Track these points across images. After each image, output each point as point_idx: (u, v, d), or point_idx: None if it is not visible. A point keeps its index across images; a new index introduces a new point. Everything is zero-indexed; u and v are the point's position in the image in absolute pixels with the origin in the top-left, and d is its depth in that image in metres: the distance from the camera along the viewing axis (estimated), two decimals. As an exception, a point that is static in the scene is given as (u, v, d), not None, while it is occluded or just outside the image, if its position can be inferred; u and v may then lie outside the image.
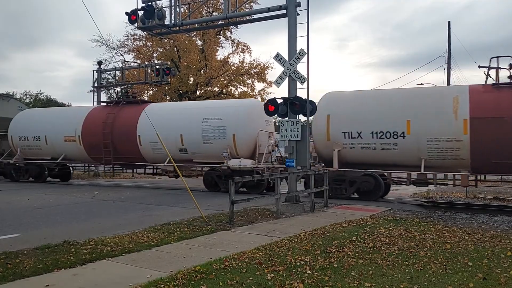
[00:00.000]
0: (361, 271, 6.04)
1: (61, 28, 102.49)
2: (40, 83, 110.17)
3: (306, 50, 12.41)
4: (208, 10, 34.05)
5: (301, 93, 12.76)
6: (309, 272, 5.94)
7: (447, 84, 31.19)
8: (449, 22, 30.51)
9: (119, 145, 20.29)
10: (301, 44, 12.69)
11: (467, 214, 12.65)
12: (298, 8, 12.83)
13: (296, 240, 8.14)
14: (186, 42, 34.76)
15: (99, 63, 27.54)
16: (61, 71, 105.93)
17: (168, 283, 5.32)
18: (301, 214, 11.76)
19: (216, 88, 36.73)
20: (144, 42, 36.82)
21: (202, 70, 35.70)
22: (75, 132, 21.41)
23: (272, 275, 5.75)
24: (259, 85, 49.35)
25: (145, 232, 8.78)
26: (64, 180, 24.01)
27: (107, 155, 20.48)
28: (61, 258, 6.63)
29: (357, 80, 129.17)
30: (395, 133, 14.60)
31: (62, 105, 56.92)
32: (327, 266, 6.28)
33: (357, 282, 5.51)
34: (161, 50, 36.80)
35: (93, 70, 25.81)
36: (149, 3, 15.21)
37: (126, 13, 15.60)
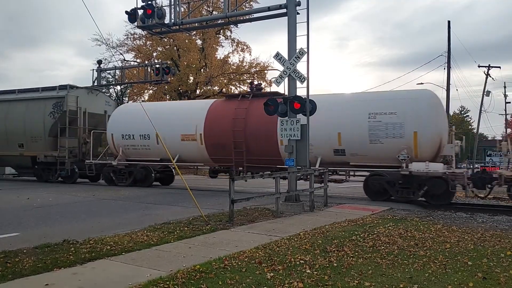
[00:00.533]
0: (361, 270, 6.03)
1: (61, 27, 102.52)
2: (40, 82, 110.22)
3: (306, 49, 12.41)
4: (208, 9, 34.08)
5: (301, 92, 12.78)
6: (308, 271, 5.94)
7: (447, 84, 31.22)
8: (449, 22, 30.55)
9: (253, 145, 17.27)
10: (301, 43, 12.70)
11: (467, 214, 12.65)
12: (298, 7, 12.83)
13: (295, 239, 8.14)
14: (186, 41, 34.78)
15: (99, 62, 27.54)
16: (61, 70, 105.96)
17: (167, 282, 5.31)
18: (301, 213, 11.77)
19: (216, 88, 36.76)
20: (144, 41, 36.87)
21: (202, 70, 35.73)
22: (195, 129, 18.44)
23: (271, 274, 5.75)
24: (259, 85, 49.18)
25: (145, 231, 8.78)
26: (165, 184, 21.61)
27: (239, 157, 17.57)
28: (61, 257, 6.62)
29: (357, 80, 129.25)
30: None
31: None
32: (327, 265, 6.28)
33: (357, 282, 5.51)
34: (161, 49, 36.83)
35: (93, 69, 25.80)
36: (149, 2, 15.19)
37: (126, 12, 15.59)
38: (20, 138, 22.71)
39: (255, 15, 15.54)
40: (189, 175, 27.90)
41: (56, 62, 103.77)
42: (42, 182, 22.08)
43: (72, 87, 22.51)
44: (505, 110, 47.69)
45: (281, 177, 11.87)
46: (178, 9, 15.62)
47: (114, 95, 43.37)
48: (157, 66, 24.66)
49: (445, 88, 31.64)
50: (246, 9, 25.20)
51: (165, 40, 34.42)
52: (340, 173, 16.73)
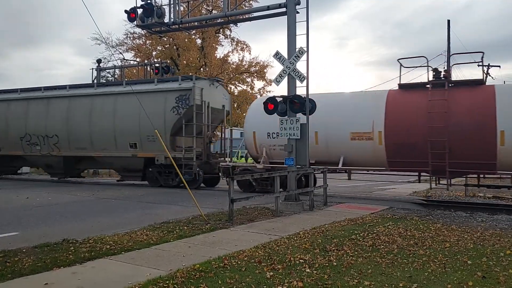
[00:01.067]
0: (361, 269, 6.04)
1: (60, 26, 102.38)
2: (39, 82, 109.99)
3: (305, 49, 12.41)
4: (208, 8, 34.06)
5: (300, 91, 12.78)
6: (308, 270, 5.94)
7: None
8: (448, 21, 30.44)
9: (459, 146, 13.84)
10: (300, 42, 12.70)
11: (467, 213, 12.65)
12: (297, 7, 12.82)
13: (295, 238, 8.14)
14: (186, 40, 34.74)
15: (98, 61, 27.51)
16: (60, 70, 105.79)
17: (167, 282, 5.31)
18: (300, 212, 11.77)
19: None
20: (143, 40, 36.80)
21: (201, 69, 35.69)
22: (371, 126, 14.97)
23: (271, 273, 5.75)
24: (258, 84, 49.42)
25: (144, 231, 8.78)
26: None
27: (438, 160, 14.03)
28: (60, 256, 6.62)
29: (356, 79, 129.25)
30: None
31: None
32: (327, 264, 6.28)
33: (357, 281, 5.51)
34: (161, 48, 36.78)
35: (92, 69, 25.79)
36: (148, 1, 15.18)
37: (125, 11, 15.59)
38: (133, 137, 19.33)
39: (255, 14, 15.54)
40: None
41: (55, 61, 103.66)
42: (156, 187, 19.11)
43: (197, 78, 19.41)
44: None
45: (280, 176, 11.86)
46: (177, 8, 15.62)
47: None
48: (157, 65, 24.63)
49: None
50: (246, 8, 25.20)
51: (165, 39, 34.38)
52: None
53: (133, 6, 15.43)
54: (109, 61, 35.80)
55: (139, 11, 15.37)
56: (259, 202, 12.70)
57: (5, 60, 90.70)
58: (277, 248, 7.31)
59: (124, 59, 37.47)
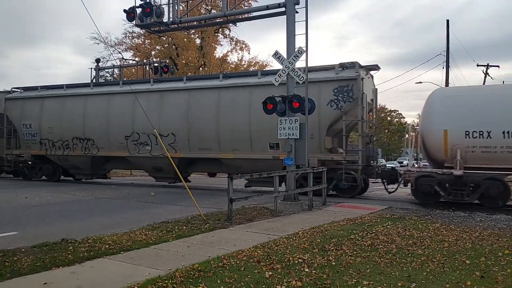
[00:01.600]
0: (359, 269, 6.05)
1: (58, 25, 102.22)
2: (38, 81, 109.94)
3: (304, 48, 12.41)
4: (207, 7, 34.04)
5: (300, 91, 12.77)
6: (307, 270, 5.95)
7: (446, 83, 31.27)
8: (447, 21, 30.44)
9: None
10: (300, 42, 12.74)
11: (465, 213, 12.66)
12: (296, 6, 12.81)
13: (294, 238, 8.15)
14: (185, 39, 34.74)
15: (97, 60, 27.52)
16: (59, 69, 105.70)
17: (166, 281, 5.32)
18: (299, 212, 11.78)
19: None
20: (142, 39, 36.80)
21: (200, 68, 35.68)
22: None
23: (270, 273, 5.76)
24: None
25: (143, 230, 8.79)
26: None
27: None
28: (59, 256, 6.62)
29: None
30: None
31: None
32: (325, 264, 6.29)
33: (355, 280, 5.52)
34: (159, 48, 36.77)
35: (91, 68, 25.81)
36: (147, 1, 15.16)
37: (124, 11, 15.56)
38: (276, 136, 14.82)
39: (254, 14, 15.52)
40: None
41: (54, 60, 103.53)
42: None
43: (361, 66, 16.49)
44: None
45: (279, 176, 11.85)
46: (176, 7, 15.60)
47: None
48: (156, 64, 24.65)
49: (444, 87, 31.64)
50: (245, 7, 25.19)
51: (164, 38, 34.38)
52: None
53: (132, 6, 15.40)
54: (108, 60, 35.80)
55: (138, 10, 15.34)
56: (258, 202, 12.71)
57: (4, 59, 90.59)
58: (276, 247, 7.32)
59: (123, 58, 37.47)
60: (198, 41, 36.58)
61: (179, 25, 15.91)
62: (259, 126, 16.54)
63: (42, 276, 5.68)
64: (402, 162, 30.99)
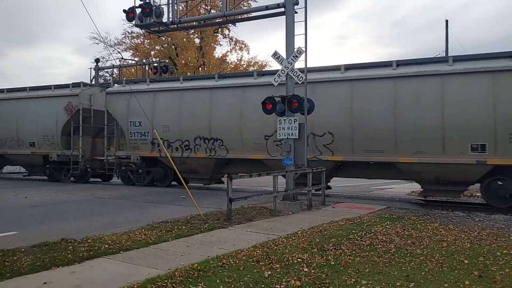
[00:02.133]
0: (358, 268, 6.07)
1: (58, 25, 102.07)
2: (37, 80, 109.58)
3: (304, 49, 12.43)
4: (206, 8, 34.04)
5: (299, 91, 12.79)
6: (306, 269, 5.97)
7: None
8: (446, 21, 30.46)
9: None
10: (299, 42, 12.74)
11: (464, 212, 12.68)
12: (296, 6, 12.83)
13: (293, 238, 8.17)
14: (184, 39, 34.74)
15: (97, 60, 27.54)
16: (58, 68, 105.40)
17: (165, 281, 5.33)
18: (298, 212, 11.79)
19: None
20: (142, 39, 36.79)
21: (200, 68, 35.69)
22: None
23: (269, 272, 5.78)
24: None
25: (143, 230, 8.80)
26: None
27: None
28: (59, 255, 6.64)
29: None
30: None
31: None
32: (324, 263, 6.31)
33: (354, 280, 5.54)
34: (159, 48, 36.77)
35: (91, 68, 25.83)
36: (147, 1, 15.18)
37: (124, 11, 15.58)
38: (481, 134, 13.09)
39: (253, 14, 15.54)
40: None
41: (53, 60, 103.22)
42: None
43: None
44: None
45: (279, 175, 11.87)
46: (176, 7, 15.61)
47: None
48: (155, 64, 24.67)
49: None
50: (244, 8, 25.21)
51: (163, 38, 34.38)
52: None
53: (131, 6, 15.41)
54: (107, 60, 35.82)
55: (138, 10, 15.36)
56: (257, 201, 12.72)
57: (3, 58, 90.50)
58: (275, 247, 7.34)
59: (122, 58, 37.47)
60: (197, 41, 36.59)
61: (179, 25, 15.93)
62: (458, 122, 13.34)
63: (42, 275, 5.70)
64: None
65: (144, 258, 6.60)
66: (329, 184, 16.02)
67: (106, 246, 7.29)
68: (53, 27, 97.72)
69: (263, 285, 5.30)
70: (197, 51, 35.37)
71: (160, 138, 16.55)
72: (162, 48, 36.56)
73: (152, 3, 15.30)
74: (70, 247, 7.17)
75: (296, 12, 12.83)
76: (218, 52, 38.60)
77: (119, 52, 37.55)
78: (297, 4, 12.83)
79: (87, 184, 20.56)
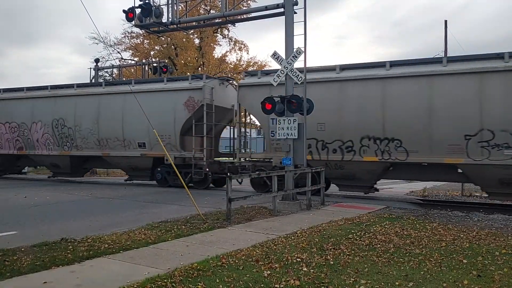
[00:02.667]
0: (357, 268, 6.09)
1: (57, 24, 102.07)
2: (36, 80, 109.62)
3: (303, 49, 12.46)
4: (206, 8, 34.03)
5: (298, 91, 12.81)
6: (305, 269, 5.99)
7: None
8: (445, 21, 30.42)
9: None
10: (298, 42, 12.76)
11: (463, 212, 12.72)
12: (295, 7, 12.86)
13: (292, 237, 8.19)
14: (184, 40, 34.72)
15: (96, 60, 27.54)
16: (57, 68, 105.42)
17: (165, 280, 5.35)
18: (298, 212, 11.82)
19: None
20: (141, 39, 36.76)
21: (199, 68, 35.67)
22: None
23: (268, 272, 5.80)
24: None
25: (143, 230, 8.82)
26: None
27: None
28: (59, 255, 6.65)
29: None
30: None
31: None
32: (324, 263, 6.33)
33: (353, 279, 5.56)
34: (158, 48, 36.75)
35: (90, 68, 25.82)
36: (147, 1, 15.19)
37: (124, 11, 15.59)
38: None
39: (253, 14, 15.56)
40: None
41: (53, 60, 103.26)
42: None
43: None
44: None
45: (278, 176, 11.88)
46: (175, 8, 15.63)
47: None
48: (155, 64, 24.68)
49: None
50: (244, 8, 25.22)
51: (163, 38, 34.34)
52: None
53: (131, 6, 15.42)
54: (107, 60, 35.79)
55: (137, 11, 15.37)
56: (257, 201, 12.74)
57: (2, 58, 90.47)
58: (275, 247, 7.36)
59: (122, 58, 37.46)
60: (197, 41, 36.57)
61: (178, 25, 15.95)
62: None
63: (42, 275, 5.71)
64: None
65: (143, 257, 6.61)
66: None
67: (106, 245, 7.31)
68: (53, 27, 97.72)
69: (262, 285, 5.32)
70: (196, 51, 35.36)
71: (313, 138, 15.11)
72: (161, 48, 36.53)
73: (151, 3, 15.32)
74: (70, 247, 7.18)
75: (295, 13, 12.86)
76: (218, 52, 38.62)
77: (118, 52, 37.53)
78: (296, 4, 12.85)
79: (87, 184, 20.55)
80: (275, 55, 12.78)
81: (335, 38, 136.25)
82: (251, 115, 19.63)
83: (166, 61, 31.23)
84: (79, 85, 21.20)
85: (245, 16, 19.10)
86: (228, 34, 37.23)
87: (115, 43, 37.14)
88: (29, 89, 22.19)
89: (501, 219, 11.57)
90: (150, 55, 36.16)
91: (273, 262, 6.32)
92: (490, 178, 13.36)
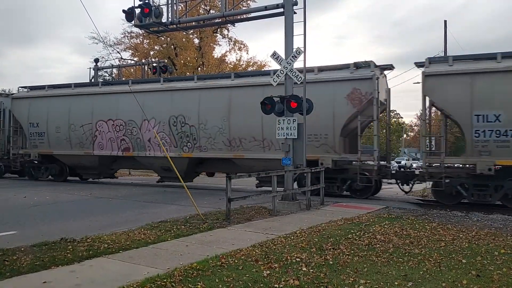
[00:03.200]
0: (357, 268, 6.10)
1: (57, 24, 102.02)
2: (36, 80, 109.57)
3: (302, 49, 12.46)
4: (205, 8, 34.05)
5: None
6: (305, 269, 5.99)
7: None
8: (445, 21, 30.48)
9: None
10: (298, 42, 12.78)
11: (462, 212, 12.72)
12: (295, 7, 12.87)
13: (292, 237, 8.20)
14: (183, 40, 34.75)
15: (96, 60, 27.53)
16: (57, 68, 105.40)
17: (165, 280, 5.36)
18: (297, 212, 11.82)
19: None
20: (141, 39, 36.78)
21: (199, 68, 35.68)
22: None
23: (268, 272, 5.80)
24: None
25: (142, 230, 8.82)
26: None
27: None
28: (58, 255, 6.66)
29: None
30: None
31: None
32: (323, 263, 6.34)
33: (352, 279, 5.57)
34: (158, 48, 36.76)
35: (90, 68, 25.81)
36: (146, 1, 15.18)
37: (123, 11, 15.58)
38: None
39: (252, 14, 15.56)
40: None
41: (52, 60, 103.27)
42: None
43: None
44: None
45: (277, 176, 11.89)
46: (175, 8, 15.63)
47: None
48: (154, 64, 24.67)
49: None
50: (244, 8, 25.22)
51: (162, 38, 34.36)
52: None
53: (131, 6, 15.42)
54: (106, 60, 35.82)
55: (137, 10, 15.37)
56: (256, 201, 12.74)
57: (1, 58, 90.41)
58: (274, 247, 7.36)
59: (121, 58, 37.47)
60: (196, 41, 36.58)
61: (178, 25, 15.95)
62: None
63: (42, 275, 5.72)
64: (400, 162, 31.01)
65: (143, 257, 6.62)
66: None
67: (106, 245, 7.31)
68: (52, 27, 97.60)
69: (262, 285, 5.33)
70: (196, 51, 35.37)
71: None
72: (161, 48, 36.55)
73: (151, 3, 15.32)
74: (70, 247, 7.18)
75: (295, 13, 12.87)
76: (217, 52, 38.60)
77: (118, 52, 37.57)
78: (296, 4, 12.86)
79: (86, 184, 20.47)
80: (274, 55, 12.79)
81: (335, 38, 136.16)
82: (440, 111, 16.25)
83: (166, 61, 31.25)
84: (200, 78, 18.56)
85: (244, 16, 19.09)
86: (227, 34, 37.28)
87: (114, 43, 37.18)
88: (134, 82, 19.69)
89: (501, 219, 11.57)
90: (149, 55, 36.18)
91: (272, 262, 6.32)
92: None
